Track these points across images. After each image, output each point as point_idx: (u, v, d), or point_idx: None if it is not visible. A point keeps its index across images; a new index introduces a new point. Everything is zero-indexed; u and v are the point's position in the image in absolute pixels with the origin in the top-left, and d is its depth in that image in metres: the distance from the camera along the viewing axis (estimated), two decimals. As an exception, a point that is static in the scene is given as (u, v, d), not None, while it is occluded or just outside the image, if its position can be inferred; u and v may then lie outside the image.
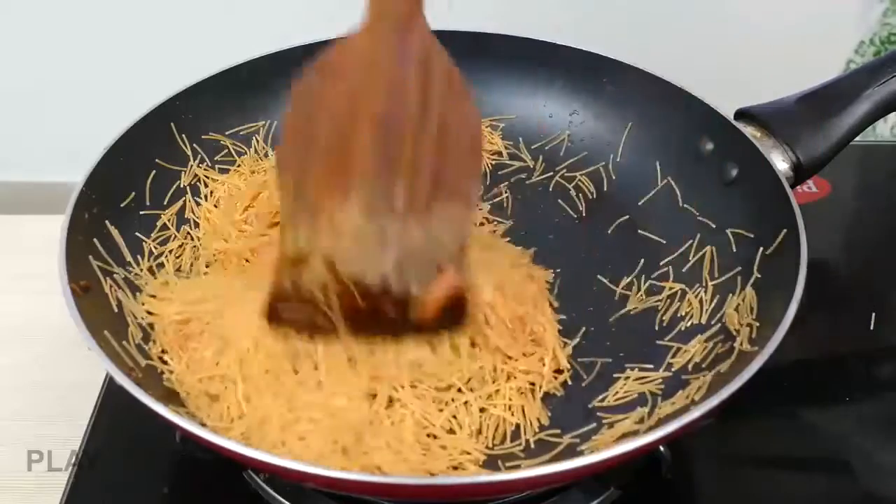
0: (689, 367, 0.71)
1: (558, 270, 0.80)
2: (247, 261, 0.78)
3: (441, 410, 0.67)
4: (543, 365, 0.71)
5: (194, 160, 0.84)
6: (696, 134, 0.84)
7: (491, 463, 0.65)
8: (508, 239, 0.83)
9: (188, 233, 0.80)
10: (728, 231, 0.78)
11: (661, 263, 0.80)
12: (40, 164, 1.10)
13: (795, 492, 0.73)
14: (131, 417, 0.73)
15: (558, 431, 0.67)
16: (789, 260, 0.69)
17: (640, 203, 0.86)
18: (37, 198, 0.98)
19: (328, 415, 0.65)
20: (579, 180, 0.89)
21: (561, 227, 0.85)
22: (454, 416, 0.67)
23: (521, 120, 0.93)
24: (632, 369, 0.72)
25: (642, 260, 0.81)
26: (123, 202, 0.78)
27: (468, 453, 0.65)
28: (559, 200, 0.88)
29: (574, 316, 0.76)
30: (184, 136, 0.84)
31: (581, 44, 0.90)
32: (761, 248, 0.74)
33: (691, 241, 0.80)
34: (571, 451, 0.66)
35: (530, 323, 0.72)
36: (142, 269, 0.76)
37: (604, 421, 0.68)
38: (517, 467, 0.64)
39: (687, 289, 0.77)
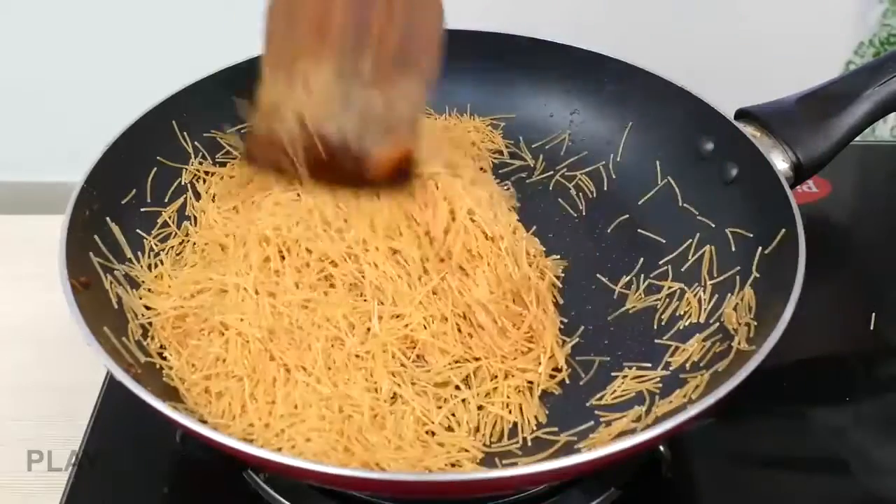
0: (687, 365, 0.71)
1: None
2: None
3: (440, 408, 0.67)
4: (540, 363, 0.71)
5: (195, 158, 0.85)
6: (696, 134, 0.84)
7: (488, 460, 0.65)
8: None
9: (189, 229, 0.81)
10: (727, 230, 0.78)
11: (661, 262, 0.80)
12: (40, 164, 1.10)
13: (795, 492, 0.73)
14: (131, 417, 0.73)
15: (556, 429, 0.67)
16: (788, 260, 0.69)
17: (639, 202, 0.86)
18: (37, 198, 0.98)
19: (332, 412, 0.65)
20: (579, 179, 0.89)
21: (561, 225, 0.85)
22: (453, 414, 0.67)
23: (521, 119, 0.93)
24: (630, 368, 0.72)
25: (641, 259, 0.81)
26: (124, 199, 0.79)
27: (466, 451, 0.65)
28: (559, 199, 0.88)
29: (573, 314, 0.77)
30: (185, 133, 0.84)
31: (582, 43, 0.91)
32: (760, 248, 0.74)
33: (691, 240, 0.80)
34: (568, 449, 0.66)
35: (529, 321, 0.72)
36: (142, 266, 0.76)
37: (601, 419, 0.68)
38: (514, 465, 0.64)
39: (686, 288, 0.77)
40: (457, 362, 0.70)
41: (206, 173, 0.84)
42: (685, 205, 0.83)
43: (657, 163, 0.86)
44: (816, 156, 0.81)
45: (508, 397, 0.69)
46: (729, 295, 0.74)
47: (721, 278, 0.76)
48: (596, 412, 0.69)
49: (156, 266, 0.77)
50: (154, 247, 0.78)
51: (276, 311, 0.70)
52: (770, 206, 0.75)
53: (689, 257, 0.79)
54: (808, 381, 0.80)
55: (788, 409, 0.78)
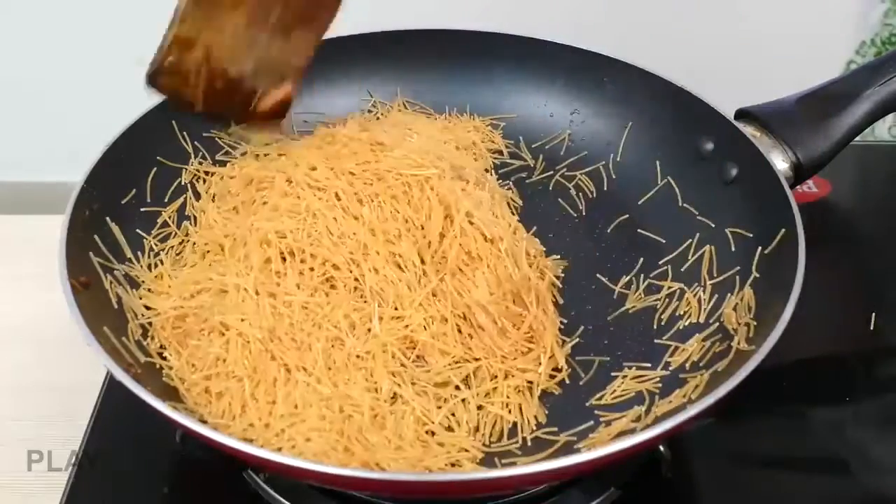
0: (687, 365, 0.71)
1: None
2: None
3: (440, 407, 0.67)
4: (540, 363, 0.71)
5: (195, 158, 0.85)
6: (696, 134, 0.84)
7: (488, 460, 0.65)
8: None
9: (189, 229, 0.81)
10: (727, 230, 0.78)
11: (661, 262, 0.80)
12: (40, 164, 1.10)
13: (795, 492, 0.73)
14: (131, 417, 0.73)
15: (555, 429, 0.67)
16: (788, 259, 0.69)
17: (639, 202, 0.86)
18: (37, 198, 0.98)
19: (332, 412, 0.65)
20: (579, 179, 0.89)
21: (561, 225, 0.85)
22: (452, 414, 0.67)
23: (521, 119, 0.93)
24: (630, 368, 0.72)
25: (641, 259, 0.81)
26: (124, 199, 0.78)
27: (466, 450, 0.65)
28: (559, 199, 0.88)
29: (573, 314, 0.76)
30: (185, 133, 0.84)
31: (582, 43, 0.91)
32: (760, 248, 0.74)
33: (690, 240, 0.80)
34: (568, 449, 0.66)
35: (529, 321, 0.72)
36: (142, 266, 0.76)
37: (601, 419, 0.68)
38: (513, 464, 0.64)
39: (685, 288, 0.77)
40: (457, 363, 0.70)
41: (206, 173, 0.84)
42: (685, 205, 0.83)
43: (657, 163, 0.86)
44: (816, 156, 0.81)
45: (508, 397, 0.69)
46: (729, 295, 0.74)
47: (721, 278, 0.76)
48: (596, 412, 0.69)
49: (156, 266, 0.77)
50: (154, 247, 0.78)
51: (276, 312, 0.70)
52: (770, 206, 0.75)
53: (689, 257, 0.79)
54: (808, 381, 0.80)
55: (788, 409, 0.78)
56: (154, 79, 0.74)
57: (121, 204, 0.78)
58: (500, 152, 0.91)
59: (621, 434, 0.66)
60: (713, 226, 0.80)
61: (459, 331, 0.71)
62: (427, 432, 0.66)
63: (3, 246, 0.96)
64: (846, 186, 0.99)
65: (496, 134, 0.93)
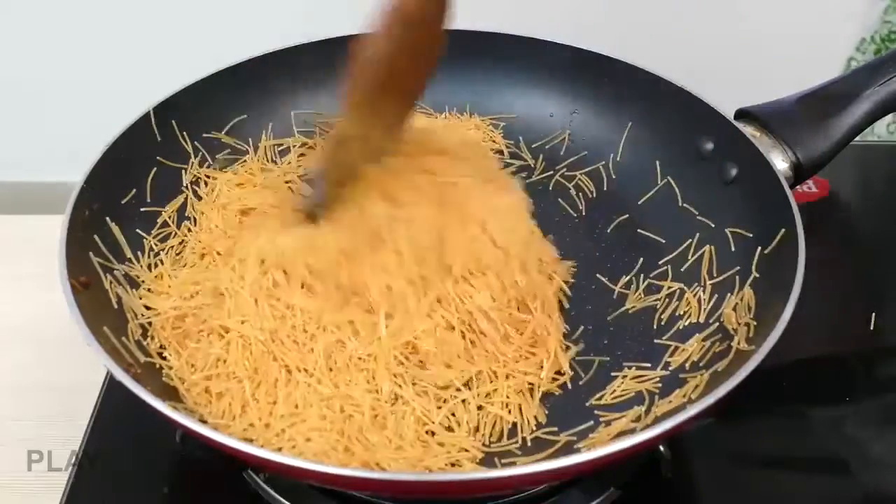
0: (687, 365, 0.71)
1: (558, 269, 0.80)
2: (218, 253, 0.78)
3: (440, 408, 0.67)
4: (542, 367, 0.71)
5: (195, 158, 0.85)
6: (696, 134, 0.84)
7: (488, 460, 0.65)
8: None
9: (189, 229, 0.81)
10: (727, 230, 0.78)
11: (660, 262, 0.80)
12: (40, 164, 1.10)
13: (795, 491, 0.73)
14: (131, 417, 0.73)
15: (555, 429, 0.68)
16: (788, 259, 0.69)
17: (639, 202, 0.86)
18: (37, 198, 0.98)
19: (332, 412, 0.65)
20: (579, 179, 0.89)
21: (561, 225, 0.85)
22: (452, 414, 0.67)
23: (521, 119, 0.93)
24: (629, 368, 0.72)
25: (641, 259, 0.81)
26: (124, 199, 0.78)
27: (466, 450, 0.65)
28: (559, 199, 0.88)
29: (573, 315, 0.77)
30: (184, 133, 0.84)
31: (582, 43, 0.91)
32: (760, 248, 0.74)
33: (690, 240, 0.80)
34: (568, 449, 0.66)
35: (532, 326, 0.72)
36: (142, 266, 0.76)
37: (601, 419, 0.68)
38: (513, 464, 0.64)
39: (685, 288, 0.77)
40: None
41: (208, 176, 0.85)
42: (685, 205, 0.83)
43: (657, 163, 0.86)
44: (816, 156, 0.81)
45: (508, 398, 0.69)
46: (729, 295, 0.74)
47: (721, 278, 0.76)
48: (595, 412, 0.69)
49: (156, 266, 0.77)
50: (154, 247, 0.78)
51: (277, 314, 0.70)
52: (770, 206, 0.75)
53: (689, 257, 0.79)
54: (808, 381, 0.80)
55: (788, 408, 0.78)
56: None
57: (121, 204, 0.78)
58: (501, 152, 0.92)
59: (621, 434, 0.66)
60: (713, 226, 0.80)
61: (463, 336, 0.71)
62: (427, 432, 0.66)
63: (3, 246, 0.96)
64: (846, 186, 0.99)
65: (496, 134, 0.93)
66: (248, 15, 1.08)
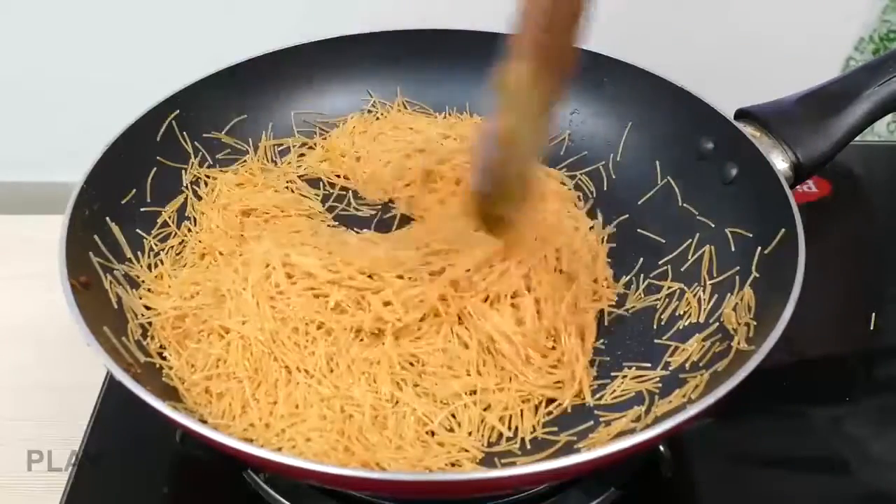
0: (687, 365, 0.71)
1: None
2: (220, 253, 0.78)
3: (440, 409, 0.67)
4: (561, 387, 0.70)
5: (195, 158, 0.85)
6: (696, 134, 0.84)
7: (488, 460, 0.65)
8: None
9: (189, 230, 0.81)
10: (727, 230, 0.78)
11: (660, 262, 0.80)
12: (40, 164, 1.10)
13: (795, 491, 0.73)
14: (131, 417, 0.73)
15: (555, 429, 0.68)
16: (788, 259, 0.69)
17: (639, 202, 0.86)
18: (37, 198, 0.98)
19: (333, 412, 0.65)
20: (579, 179, 0.89)
21: (561, 226, 0.85)
22: (453, 415, 0.67)
23: (521, 119, 0.93)
24: (629, 368, 0.72)
25: (641, 259, 0.81)
26: (124, 199, 0.79)
27: (466, 450, 0.65)
28: (559, 199, 0.87)
29: (573, 315, 0.76)
30: (185, 133, 0.85)
31: (582, 43, 0.90)
32: (760, 248, 0.74)
33: (690, 240, 0.80)
34: (568, 449, 0.66)
35: (558, 354, 0.71)
36: (142, 266, 0.76)
37: (601, 419, 0.68)
38: (513, 464, 0.64)
39: (685, 288, 0.77)
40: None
41: (208, 176, 0.85)
42: (685, 205, 0.83)
43: (657, 163, 0.86)
44: (816, 156, 0.81)
45: (506, 409, 0.68)
46: (728, 295, 0.74)
47: (721, 278, 0.76)
48: (595, 412, 0.69)
49: (156, 266, 0.77)
50: (154, 247, 0.78)
51: (278, 315, 0.70)
52: (770, 206, 0.75)
53: (689, 257, 0.79)
54: (808, 381, 0.80)
55: (788, 408, 0.78)
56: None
57: (121, 204, 0.78)
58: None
59: (621, 434, 0.66)
60: (713, 226, 0.80)
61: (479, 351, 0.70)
62: (427, 432, 0.66)
63: (3, 246, 0.96)
64: (846, 186, 0.99)
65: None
66: (248, 15, 1.08)
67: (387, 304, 0.70)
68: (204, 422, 0.64)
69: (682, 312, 0.75)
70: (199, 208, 0.82)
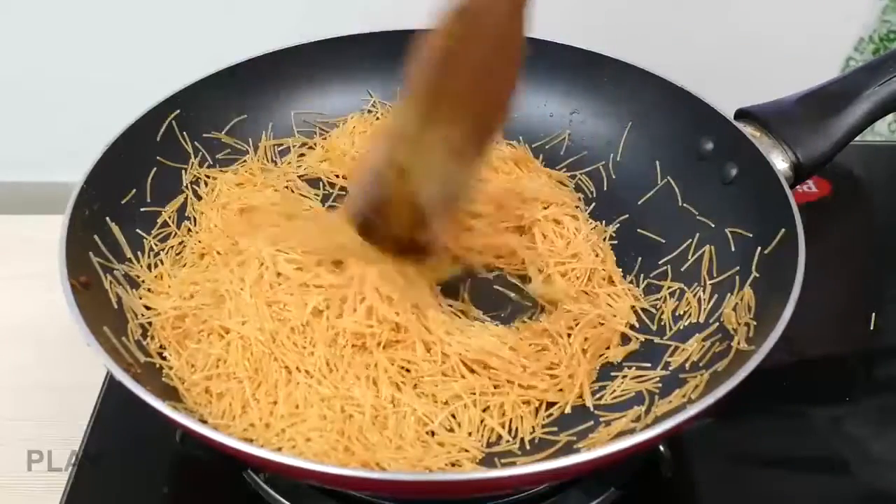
0: (687, 365, 0.71)
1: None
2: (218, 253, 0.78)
3: (440, 409, 0.67)
4: (559, 387, 0.70)
5: (195, 158, 0.85)
6: (696, 134, 0.84)
7: (488, 460, 0.65)
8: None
9: (189, 229, 0.81)
10: (727, 230, 0.78)
11: (660, 262, 0.80)
12: (40, 164, 1.10)
13: (795, 491, 0.73)
14: (131, 417, 0.73)
15: (555, 429, 0.68)
16: (788, 259, 0.69)
17: (639, 202, 0.86)
18: (37, 198, 0.98)
19: (333, 412, 0.65)
20: (579, 179, 0.89)
21: (561, 226, 0.85)
22: (453, 416, 0.67)
23: (521, 119, 0.93)
24: (629, 368, 0.72)
25: (641, 259, 0.81)
26: (124, 199, 0.79)
27: (466, 450, 0.65)
28: (559, 200, 0.87)
29: (573, 315, 0.76)
30: (185, 133, 0.85)
31: (582, 43, 0.91)
32: (760, 248, 0.74)
33: (690, 240, 0.80)
34: (568, 449, 0.66)
35: (550, 356, 0.72)
36: (142, 266, 0.76)
37: (601, 419, 0.68)
38: (513, 464, 0.64)
39: (685, 288, 0.77)
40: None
41: (207, 176, 0.85)
42: (685, 205, 0.83)
43: (657, 163, 0.86)
44: (816, 156, 0.81)
45: (504, 413, 0.68)
46: (728, 295, 0.74)
47: (721, 278, 0.76)
48: (595, 412, 0.69)
49: (155, 266, 0.77)
50: (154, 247, 0.78)
51: (277, 316, 0.70)
52: (770, 206, 0.75)
53: (689, 257, 0.79)
54: (808, 381, 0.80)
55: (788, 408, 0.78)
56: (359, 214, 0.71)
57: (121, 204, 0.78)
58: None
59: (621, 434, 0.66)
60: (713, 226, 0.80)
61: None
62: (427, 432, 0.66)
63: (3, 246, 0.96)
64: (846, 186, 0.99)
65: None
66: (248, 15, 1.08)
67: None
68: (204, 422, 0.64)
69: (682, 312, 0.76)
70: (199, 208, 0.82)
